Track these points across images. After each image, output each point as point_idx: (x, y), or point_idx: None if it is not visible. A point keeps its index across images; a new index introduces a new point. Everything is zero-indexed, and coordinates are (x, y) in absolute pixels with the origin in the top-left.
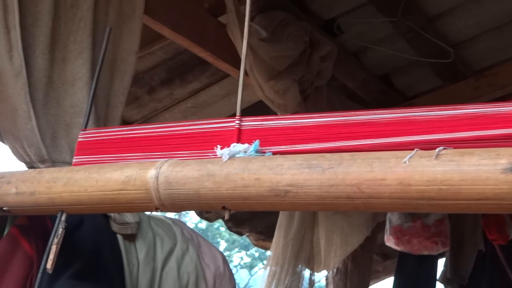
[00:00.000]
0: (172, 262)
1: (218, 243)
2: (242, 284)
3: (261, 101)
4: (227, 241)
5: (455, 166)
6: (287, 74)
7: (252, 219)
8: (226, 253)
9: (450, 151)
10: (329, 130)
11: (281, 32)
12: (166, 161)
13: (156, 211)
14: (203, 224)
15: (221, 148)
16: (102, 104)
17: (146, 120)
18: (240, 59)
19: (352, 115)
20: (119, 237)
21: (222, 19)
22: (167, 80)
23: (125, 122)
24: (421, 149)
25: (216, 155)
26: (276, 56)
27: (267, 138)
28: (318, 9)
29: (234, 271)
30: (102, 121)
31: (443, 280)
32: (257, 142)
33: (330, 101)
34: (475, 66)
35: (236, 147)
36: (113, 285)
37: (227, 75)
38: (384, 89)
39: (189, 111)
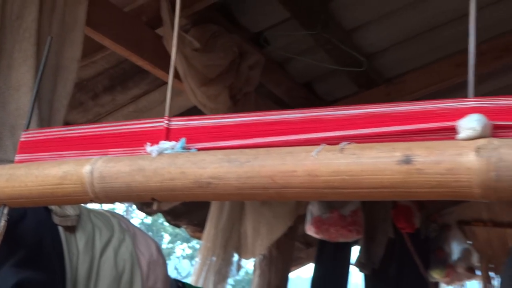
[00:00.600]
0: (110, 251)
1: (162, 236)
2: (184, 273)
3: (195, 107)
4: (170, 234)
5: (356, 159)
6: (218, 81)
7: (189, 212)
8: (169, 245)
9: (352, 145)
10: (248, 128)
11: (213, 43)
12: (100, 158)
13: (91, 203)
14: (149, 219)
15: (151, 146)
16: (45, 107)
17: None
18: (175, 67)
19: (267, 114)
20: (60, 228)
21: (159, 31)
22: (110, 87)
23: (70, 124)
24: (328, 144)
25: (146, 152)
26: (208, 64)
27: (193, 136)
28: (246, 23)
29: (176, 261)
30: (46, 123)
31: (358, 264)
32: (183, 140)
33: (257, 105)
34: (386, 74)
35: (164, 144)
36: (53, 272)
37: (165, 82)
38: (306, 95)
39: (131, 115)
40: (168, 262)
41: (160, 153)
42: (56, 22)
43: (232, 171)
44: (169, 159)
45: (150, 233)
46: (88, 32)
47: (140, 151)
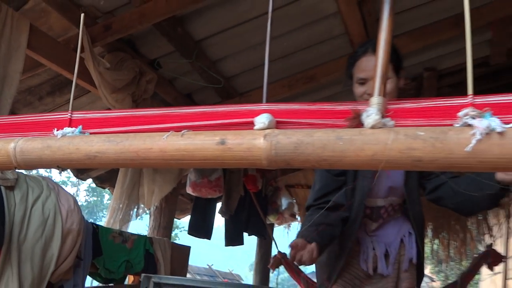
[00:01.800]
0: (39, 203)
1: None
2: None
3: (108, 108)
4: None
5: (191, 141)
6: (124, 90)
7: (110, 178)
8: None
9: (189, 132)
10: (123, 120)
11: (120, 64)
12: (21, 138)
13: (16, 169)
14: (94, 198)
15: (57, 130)
16: None
17: None
18: (93, 80)
19: (136, 111)
20: (2, 187)
21: (82, 55)
22: (51, 92)
23: None
24: (174, 131)
25: (54, 134)
26: (116, 79)
27: (87, 125)
28: (145, 52)
29: None
30: None
31: (220, 212)
32: (80, 127)
33: (153, 107)
34: (239, 90)
35: (66, 129)
36: None
37: (89, 91)
38: (187, 102)
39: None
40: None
41: (63, 135)
42: (4, 44)
43: (111, 148)
44: (69, 139)
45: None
46: (31, 54)
47: (50, 134)
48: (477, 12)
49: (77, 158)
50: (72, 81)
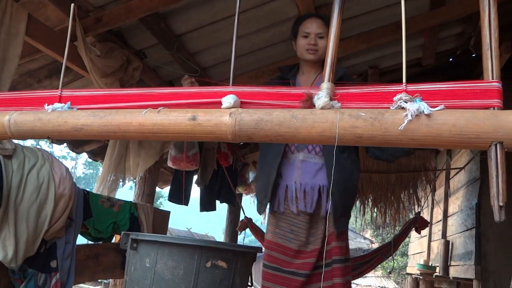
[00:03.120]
0: (34, 171)
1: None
2: None
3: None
4: None
5: (166, 117)
6: (112, 75)
7: (102, 153)
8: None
9: (165, 109)
10: (107, 98)
11: (110, 53)
12: (15, 112)
13: (11, 139)
14: (91, 170)
15: (48, 105)
16: None
17: None
18: (85, 66)
19: (119, 90)
20: (1, 156)
21: (76, 43)
22: (49, 76)
23: None
24: (152, 108)
25: (45, 109)
26: (106, 65)
27: (75, 101)
28: (132, 43)
29: None
30: None
31: (196, 182)
32: (68, 103)
33: None
34: (214, 79)
35: (56, 105)
36: None
37: (83, 76)
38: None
39: None
40: None
41: (53, 110)
42: (4, 31)
43: (95, 122)
44: (58, 113)
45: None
46: (29, 41)
47: (42, 109)
48: (413, 20)
49: (65, 130)
50: (67, 67)
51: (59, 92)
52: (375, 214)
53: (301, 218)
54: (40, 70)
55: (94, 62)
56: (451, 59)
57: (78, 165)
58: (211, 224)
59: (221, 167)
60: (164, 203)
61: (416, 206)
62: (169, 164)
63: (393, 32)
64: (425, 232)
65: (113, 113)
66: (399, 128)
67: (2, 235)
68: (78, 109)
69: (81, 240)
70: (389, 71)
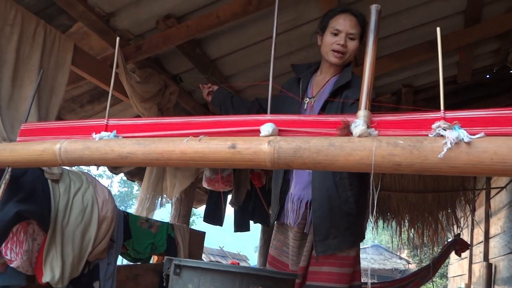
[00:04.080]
0: (79, 194)
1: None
2: None
3: (138, 116)
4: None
5: (207, 145)
6: (151, 100)
7: (139, 174)
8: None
9: (206, 138)
10: (151, 126)
11: (148, 78)
12: (66, 140)
13: (60, 165)
14: (125, 188)
15: (96, 134)
16: (43, 111)
17: None
18: (125, 91)
19: (162, 119)
20: (49, 180)
21: (117, 70)
22: (91, 101)
23: None
24: (193, 136)
25: (93, 137)
26: (145, 90)
27: (121, 130)
28: (169, 68)
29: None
30: (44, 120)
31: (230, 203)
32: (114, 131)
33: (175, 115)
34: None
35: (103, 133)
36: (42, 206)
37: (122, 100)
38: (204, 110)
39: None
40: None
41: (100, 138)
42: (52, 62)
43: (140, 150)
44: (105, 142)
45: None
46: (74, 69)
47: (90, 137)
48: (447, 39)
49: (112, 158)
50: (108, 92)
51: (106, 121)
52: (412, 235)
53: (292, 233)
54: (82, 96)
55: (134, 88)
56: (488, 76)
57: (114, 183)
58: (243, 242)
59: (254, 187)
60: (197, 220)
61: (455, 227)
62: (204, 185)
63: (426, 50)
64: (465, 253)
65: (157, 141)
66: (439, 156)
67: (49, 257)
68: (123, 137)
69: (120, 260)
70: (424, 89)
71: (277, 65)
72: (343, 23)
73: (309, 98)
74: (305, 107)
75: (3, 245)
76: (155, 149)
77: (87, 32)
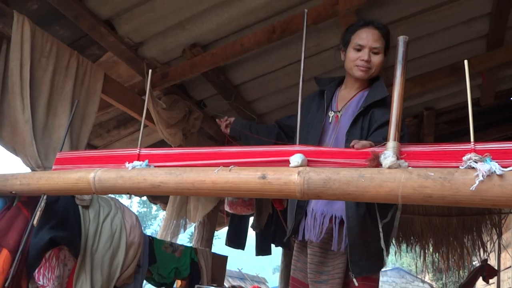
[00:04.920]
0: (108, 220)
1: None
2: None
3: (163, 140)
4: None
5: (237, 175)
6: (176, 125)
7: (161, 196)
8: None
9: (236, 168)
10: (182, 156)
11: (174, 105)
12: (100, 169)
13: (94, 194)
14: (145, 209)
15: (128, 163)
16: (75, 138)
17: (105, 146)
18: (151, 117)
19: (192, 149)
20: (80, 207)
21: (144, 97)
22: (117, 126)
23: (92, 147)
24: (223, 166)
25: (125, 166)
26: (170, 117)
27: (153, 159)
28: (194, 94)
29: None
30: (75, 147)
31: (252, 226)
32: (146, 161)
33: (199, 140)
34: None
35: (136, 163)
36: (74, 232)
37: (147, 125)
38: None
39: (129, 143)
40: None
41: (133, 167)
42: (84, 90)
43: (172, 179)
44: (138, 171)
45: (144, 218)
46: (104, 97)
47: (123, 166)
48: (469, 62)
49: (144, 187)
50: (134, 118)
51: (138, 150)
52: (436, 259)
53: (310, 248)
54: (109, 122)
55: (160, 115)
56: (511, 98)
57: (133, 203)
58: (261, 264)
59: (276, 211)
60: (215, 242)
61: (481, 251)
62: (226, 208)
63: (448, 74)
64: (493, 280)
65: (188, 171)
66: (471, 188)
67: (79, 282)
68: (155, 166)
69: (144, 285)
70: (445, 112)
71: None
72: (365, 38)
73: (334, 111)
74: (329, 121)
75: (36, 270)
76: (186, 178)
77: (116, 61)
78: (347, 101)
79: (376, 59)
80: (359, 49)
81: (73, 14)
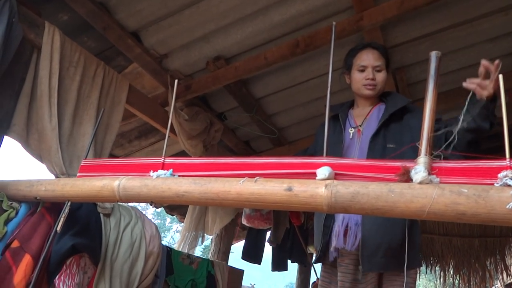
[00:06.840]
0: (128, 229)
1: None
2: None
3: (183, 150)
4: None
5: (263, 186)
6: (197, 137)
7: (178, 208)
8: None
9: (261, 179)
10: (207, 166)
11: (195, 116)
12: (124, 177)
13: (118, 202)
14: (158, 220)
15: (153, 172)
16: (99, 147)
17: (126, 156)
18: (173, 128)
19: (216, 159)
20: (101, 215)
21: (166, 108)
22: (138, 136)
23: (114, 156)
24: (248, 177)
25: (150, 175)
26: (192, 128)
27: (177, 168)
28: (215, 107)
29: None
30: (98, 155)
31: (269, 241)
32: (171, 170)
33: (219, 152)
34: (288, 139)
35: (160, 171)
36: (95, 240)
37: (169, 136)
38: (246, 147)
39: (149, 153)
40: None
41: (158, 176)
42: (109, 100)
43: (196, 189)
44: (162, 180)
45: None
46: (127, 107)
47: (147, 175)
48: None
49: (168, 196)
50: (155, 129)
51: (163, 159)
52: (456, 281)
53: (342, 266)
54: (131, 132)
55: (182, 126)
56: None
57: (147, 214)
58: (273, 280)
59: (293, 226)
60: (230, 255)
61: (504, 275)
62: (244, 222)
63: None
64: None
65: (213, 181)
66: (507, 206)
67: None
68: (179, 176)
69: None
70: None
71: (320, 104)
72: (366, 58)
73: (353, 127)
74: (350, 137)
75: (57, 277)
76: (211, 189)
77: (140, 72)
78: (364, 116)
79: (380, 76)
80: (362, 69)
81: (101, 26)
